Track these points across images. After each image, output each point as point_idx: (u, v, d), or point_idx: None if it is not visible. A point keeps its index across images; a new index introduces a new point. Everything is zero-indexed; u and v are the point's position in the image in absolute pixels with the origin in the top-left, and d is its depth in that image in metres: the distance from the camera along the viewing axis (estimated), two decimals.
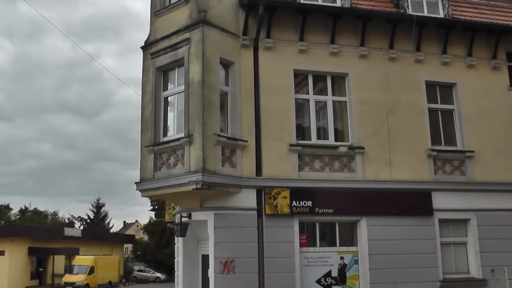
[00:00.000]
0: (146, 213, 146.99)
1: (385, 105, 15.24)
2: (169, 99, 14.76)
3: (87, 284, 43.76)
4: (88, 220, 74.81)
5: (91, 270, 44.72)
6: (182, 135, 13.43)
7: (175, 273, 15.25)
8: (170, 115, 14.71)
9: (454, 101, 16.32)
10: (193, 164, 13.00)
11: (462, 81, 16.33)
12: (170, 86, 14.80)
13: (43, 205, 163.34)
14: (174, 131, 14.30)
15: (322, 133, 15.24)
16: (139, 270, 63.22)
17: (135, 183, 14.29)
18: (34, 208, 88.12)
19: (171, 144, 13.64)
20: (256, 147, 14.15)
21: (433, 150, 15.43)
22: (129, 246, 76.84)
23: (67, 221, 80.00)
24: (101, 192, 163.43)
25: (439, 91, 16.38)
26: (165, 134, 14.34)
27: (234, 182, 13.60)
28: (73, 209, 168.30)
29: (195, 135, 13.11)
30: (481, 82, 16.48)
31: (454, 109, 16.29)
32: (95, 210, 74.62)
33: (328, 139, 15.01)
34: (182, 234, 14.05)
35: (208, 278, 13.91)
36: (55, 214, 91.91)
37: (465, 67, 16.46)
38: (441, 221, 15.15)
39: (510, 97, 16.68)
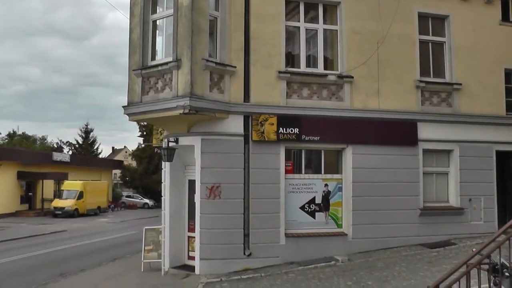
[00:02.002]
0: (134, 139, 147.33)
1: (376, 35, 15.12)
2: (157, 23, 14.49)
3: (76, 209, 44.19)
4: (77, 145, 74.66)
5: (80, 195, 45.05)
6: (170, 59, 13.29)
7: (162, 198, 15.50)
8: (159, 39, 14.49)
9: (446, 34, 16.25)
10: (181, 88, 12.95)
11: (455, 14, 16.18)
12: (159, 9, 14.49)
13: (31, 129, 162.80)
14: (162, 55, 14.16)
15: (311, 61, 15.16)
16: (128, 196, 63.78)
17: (123, 106, 14.25)
18: (23, 133, 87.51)
19: (159, 68, 13.52)
20: (245, 73, 14.07)
21: (421, 81, 15.50)
22: (117, 172, 77.34)
23: (56, 146, 79.90)
24: (90, 118, 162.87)
25: (431, 23, 16.24)
26: (153, 58, 14.19)
27: (221, 107, 13.62)
28: (62, 134, 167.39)
29: (184, 60, 12.99)
30: (474, 16, 16.36)
31: (445, 42, 16.24)
32: (83, 135, 74.20)
33: (317, 67, 14.95)
34: (169, 159, 14.20)
35: (194, 203, 14.19)
36: (43, 138, 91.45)
37: (459, 0, 16.24)
38: (425, 151, 15.48)
39: (500, 32, 16.68)
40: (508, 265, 6.08)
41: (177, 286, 13.06)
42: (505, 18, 16.90)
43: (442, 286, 5.70)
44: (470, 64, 16.06)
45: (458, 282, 5.77)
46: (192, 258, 14.44)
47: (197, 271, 13.79)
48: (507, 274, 6.02)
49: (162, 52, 14.22)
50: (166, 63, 13.32)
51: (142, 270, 15.91)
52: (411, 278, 11.14)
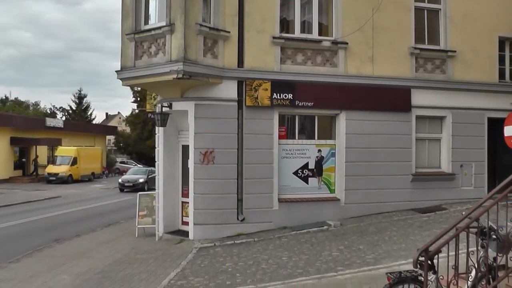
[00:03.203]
0: (128, 105, 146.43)
1: (372, 2, 14.94)
2: None
3: (70, 175, 44.05)
4: (70, 111, 74.22)
5: (74, 161, 44.86)
6: (164, 23, 13.15)
7: (156, 164, 15.55)
8: (152, 3, 14.28)
9: (441, 1, 16.11)
10: (174, 53, 12.86)
11: None
12: None
13: (24, 95, 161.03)
14: (155, 19, 13.98)
15: (306, 27, 15.04)
16: (122, 162, 63.65)
17: (116, 71, 14.16)
18: (15, 98, 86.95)
19: (152, 32, 13.40)
20: (239, 38, 13.97)
21: (416, 48, 15.46)
22: (111, 138, 77.12)
23: (49, 112, 79.41)
24: (83, 83, 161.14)
25: None
26: (146, 22, 14.04)
27: (215, 72, 13.57)
28: (55, 99, 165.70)
29: (177, 24, 12.86)
30: None
31: (440, 9, 16.13)
32: (77, 101, 73.63)
33: (312, 33, 14.86)
34: (163, 124, 14.17)
35: (188, 168, 14.25)
36: (36, 104, 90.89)
37: None
38: (418, 118, 15.56)
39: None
40: (495, 228, 6.18)
41: (171, 251, 13.18)
42: None
43: (432, 248, 5.79)
44: (464, 32, 16.00)
45: (447, 245, 5.86)
46: (186, 223, 14.57)
47: (191, 236, 13.94)
48: (494, 236, 6.13)
49: (155, 16, 14.03)
50: (159, 28, 13.19)
51: (136, 235, 16.08)
52: (401, 242, 11.32)
